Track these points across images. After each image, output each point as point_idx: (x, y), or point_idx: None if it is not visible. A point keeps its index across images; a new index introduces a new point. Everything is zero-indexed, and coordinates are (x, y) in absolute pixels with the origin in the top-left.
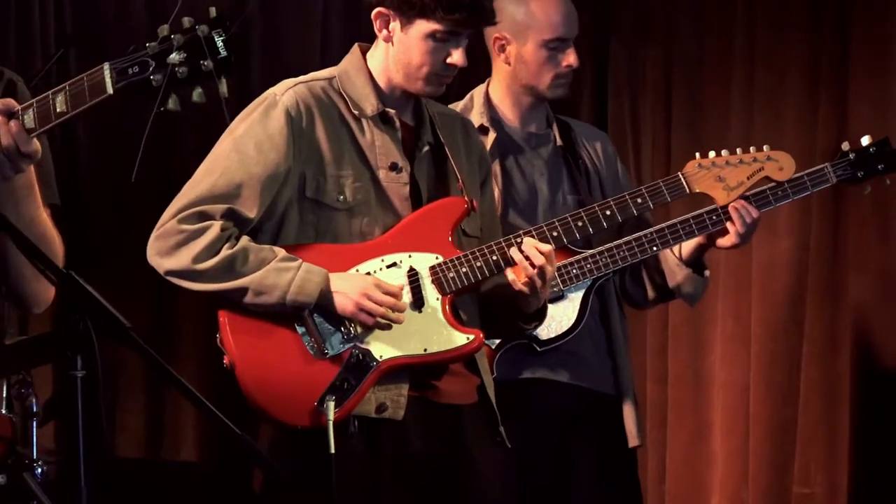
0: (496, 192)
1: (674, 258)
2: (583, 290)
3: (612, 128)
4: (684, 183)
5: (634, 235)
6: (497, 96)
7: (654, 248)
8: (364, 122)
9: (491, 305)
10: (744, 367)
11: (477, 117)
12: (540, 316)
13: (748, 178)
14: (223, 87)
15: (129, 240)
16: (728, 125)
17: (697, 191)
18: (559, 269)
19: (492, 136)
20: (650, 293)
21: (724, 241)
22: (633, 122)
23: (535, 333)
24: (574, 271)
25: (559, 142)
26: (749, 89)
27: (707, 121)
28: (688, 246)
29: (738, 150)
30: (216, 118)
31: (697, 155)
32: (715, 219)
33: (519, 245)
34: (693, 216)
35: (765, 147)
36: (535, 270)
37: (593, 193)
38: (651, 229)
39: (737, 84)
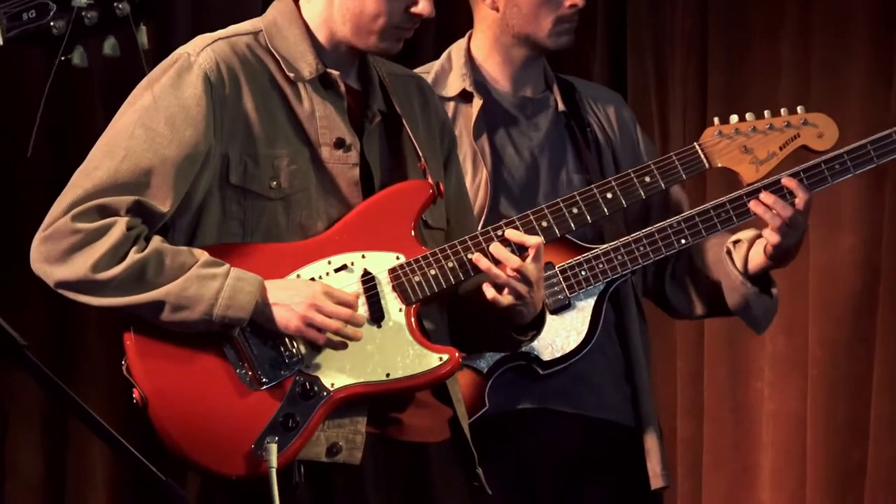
0: (483, 174)
1: (737, 273)
2: (594, 298)
3: (632, 92)
4: (702, 155)
5: (658, 226)
6: (482, 53)
7: (683, 241)
8: (301, 86)
9: (472, 312)
10: (799, 397)
11: (457, 81)
12: (537, 324)
13: (780, 149)
14: (142, 37)
15: (20, 237)
16: (776, 88)
17: (720, 165)
18: (564, 271)
19: (477, 103)
20: (698, 307)
21: (766, 248)
22: (659, 85)
23: (536, 353)
24: (583, 273)
25: (561, 107)
26: (804, 43)
27: (751, 83)
28: (754, 261)
29: (767, 114)
30: (134, 78)
31: (716, 120)
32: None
33: (500, 239)
34: (731, 199)
35: (799, 108)
36: (512, 275)
37: (605, 171)
38: (678, 217)
39: (788, 37)
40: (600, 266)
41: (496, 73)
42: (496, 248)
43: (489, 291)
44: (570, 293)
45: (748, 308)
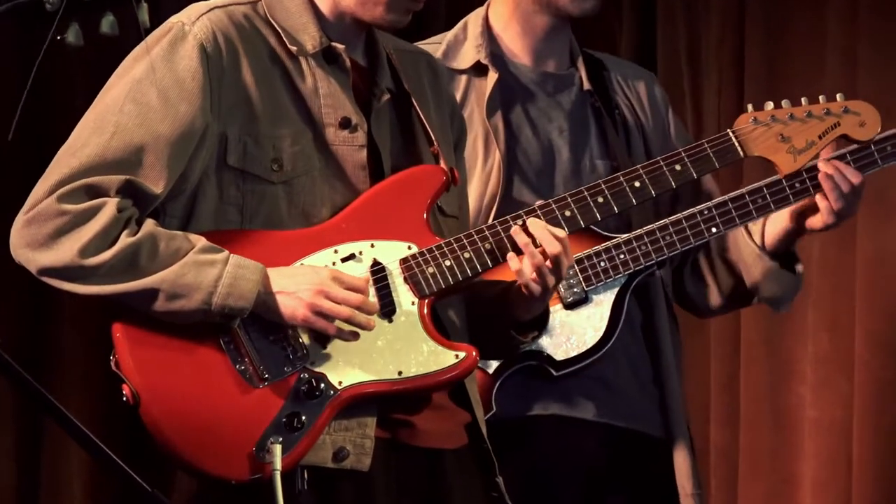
0: (496, 157)
1: (751, 246)
2: (615, 291)
3: (662, 70)
4: (736, 143)
5: (686, 213)
6: (500, 22)
7: (715, 230)
8: (303, 61)
9: (473, 311)
10: (844, 402)
11: (471, 52)
12: (540, 324)
13: (820, 137)
14: (143, 14)
15: None
16: (821, 63)
17: (755, 154)
18: (581, 261)
19: (492, 77)
20: (716, 296)
21: (813, 221)
22: (692, 59)
23: (548, 352)
24: (602, 264)
25: (587, 85)
26: (851, 15)
27: (792, 58)
28: (773, 230)
29: (804, 100)
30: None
31: (750, 107)
32: (798, 186)
33: (523, 227)
34: (767, 184)
35: (838, 96)
36: (549, 261)
37: (635, 159)
38: (710, 203)
39: (834, 7)
40: (621, 256)
41: (515, 44)
42: (538, 229)
43: (515, 263)
44: (586, 285)
45: (765, 284)
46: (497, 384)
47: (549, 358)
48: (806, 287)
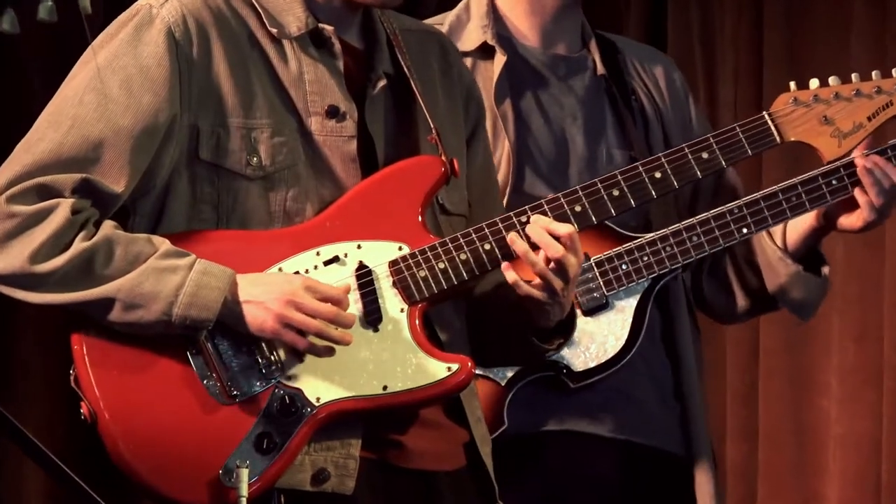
0: (505, 146)
1: (774, 248)
2: (637, 297)
3: (674, 49)
4: (773, 127)
5: (715, 211)
6: (507, 1)
7: (746, 231)
8: (287, 45)
9: (489, 316)
10: (873, 415)
11: (476, 33)
12: (566, 330)
13: (869, 119)
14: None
15: None
16: (846, 46)
17: (793, 139)
18: (601, 264)
19: (499, 59)
20: (740, 301)
21: (850, 221)
22: (705, 40)
23: (566, 363)
24: (624, 267)
25: (601, 69)
26: None
27: (814, 42)
28: (796, 229)
29: (855, 77)
30: (75, 47)
31: (793, 85)
32: (836, 184)
33: (524, 226)
34: (802, 181)
35: (894, 71)
36: (550, 266)
37: (654, 148)
38: (740, 202)
39: None
40: (645, 259)
41: (524, 25)
42: (536, 231)
43: (511, 275)
44: (607, 290)
45: (788, 289)
46: (509, 397)
47: (567, 369)
48: (831, 292)
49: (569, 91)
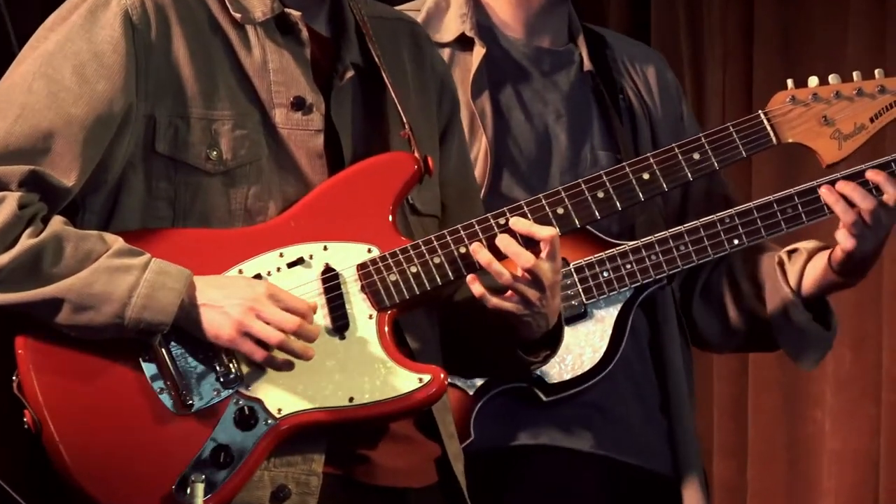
0: (482, 143)
1: (785, 290)
2: (618, 307)
3: (657, 44)
4: (768, 128)
5: (704, 220)
6: None
7: (737, 242)
8: (251, 31)
9: (470, 323)
10: (870, 429)
11: (454, 23)
12: (552, 342)
13: (872, 120)
14: None
15: None
16: (843, 41)
17: (790, 140)
18: (581, 270)
19: (478, 52)
20: (735, 336)
21: (835, 254)
22: (692, 33)
23: (539, 374)
24: (605, 275)
25: (588, 65)
26: None
27: (811, 33)
28: (818, 267)
29: (856, 76)
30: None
31: (790, 83)
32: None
33: (502, 229)
34: (799, 191)
35: None
36: (522, 276)
37: (640, 149)
38: (731, 211)
39: None
40: (628, 267)
41: (506, 14)
42: (504, 241)
43: (477, 288)
44: (586, 298)
45: (793, 336)
46: (477, 408)
47: (540, 380)
48: None
49: (553, 87)
